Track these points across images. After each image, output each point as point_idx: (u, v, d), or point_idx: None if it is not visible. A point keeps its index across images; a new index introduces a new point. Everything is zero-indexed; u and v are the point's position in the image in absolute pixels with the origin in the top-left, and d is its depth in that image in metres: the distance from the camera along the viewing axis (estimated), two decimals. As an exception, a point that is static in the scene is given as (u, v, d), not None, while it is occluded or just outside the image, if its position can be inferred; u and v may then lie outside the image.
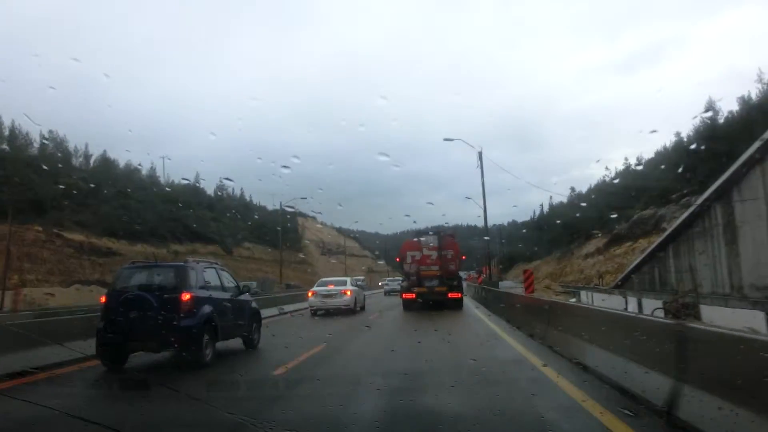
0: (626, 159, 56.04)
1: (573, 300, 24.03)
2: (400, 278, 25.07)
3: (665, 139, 48.74)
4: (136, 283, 9.03)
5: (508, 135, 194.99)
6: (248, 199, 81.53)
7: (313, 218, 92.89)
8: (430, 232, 21.51)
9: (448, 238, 21.91)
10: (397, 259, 22.59)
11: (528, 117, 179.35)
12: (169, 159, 69.35)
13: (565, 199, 77.29)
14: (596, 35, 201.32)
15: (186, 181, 62.16)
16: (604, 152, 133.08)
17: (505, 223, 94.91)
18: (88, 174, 46.08)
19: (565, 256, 59.74)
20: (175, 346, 8.78)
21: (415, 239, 21.66)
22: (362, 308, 22.13)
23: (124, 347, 8.67)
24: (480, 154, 23.46)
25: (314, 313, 20.40)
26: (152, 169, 61.01)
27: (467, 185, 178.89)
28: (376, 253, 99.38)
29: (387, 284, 44.57)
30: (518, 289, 30.60)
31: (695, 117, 39.40)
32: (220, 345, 9.71)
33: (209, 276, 9.79)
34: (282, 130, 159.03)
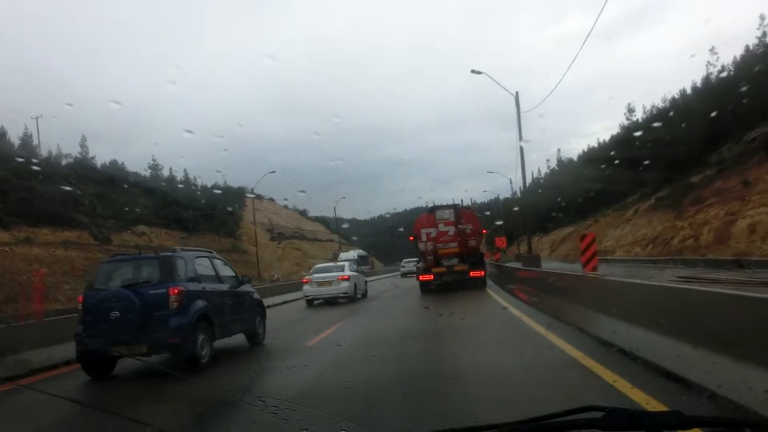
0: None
1: None
2: (416, 259, 23.58)
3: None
4: (117, 279, 7.90)
5: (486, 114, 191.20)
6: (192, 180, 66.96)
7: (271, 200, 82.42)
8: (446, 206, 19.99)
9: (466, 211, 20.37)
10: (411, 238, 21.10)
11: (505, 95, 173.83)
12: (41, 116, 47.38)
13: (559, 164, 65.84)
14: (575, 4, 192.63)
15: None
16: (583, 126, 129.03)
17: (486, 201, 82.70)
18: None
19: (685, 206, 28.20)
20: (166, 348, 7.69)
21: (430, 214, 20.19)
22: (363, 295, 20.60)
23: (107, 353, 7.56)
24: (517, 95, 22.22)
25: (310, 302, 19.00)
26: (27, 136, 46.90)
27: (445, 168, 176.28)
28: (354, 238, 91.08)
29: (403, 266, 43.47)
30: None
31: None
32: (219, 343, 8.61)
33: (202, 266, 8.63)
34: (255, 117, 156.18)
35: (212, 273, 8.89)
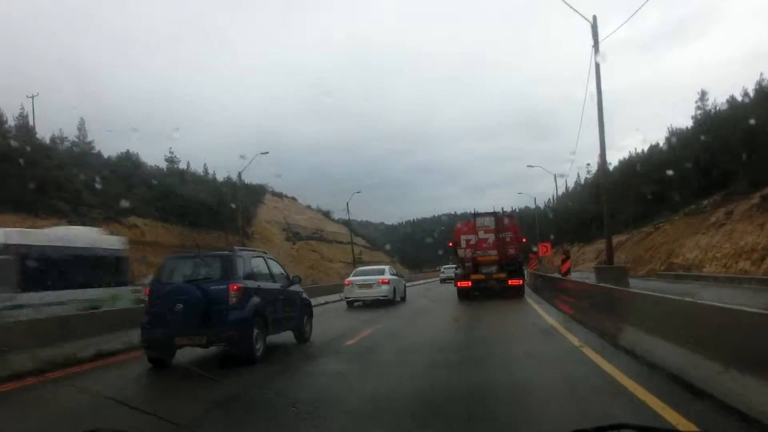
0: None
1: None
2: (455, 265, 23.73)
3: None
4: (181, 274, 8.47)
5: (519, 123, 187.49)
6: (211, 174, 62.63)
7: (293, 199, 79.99)
8: (487, 214, 20.14)
9: (507, 219, 20.46)
10: (450, 244, 21.34)
11: (541, 103, 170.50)
12: (37, 95, 45.17)
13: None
14: (616, 13, 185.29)
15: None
16: (619, 139, 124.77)
17: (516, 209, 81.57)
18: None
19: None
20: (224, 340, 8.19)
21: (470, 221, 20.37)
22: (402, 299, 21.03)
23: (170, 342, 8.11)
24: (594, 19, 17.30)
25: (350, 304, 19.53)
26: (22, 116, 43.13)
27: (477, 176, 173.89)
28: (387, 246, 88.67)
29: (443, 272, 43.33)
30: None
31: None
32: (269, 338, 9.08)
33: (257, 265, 9.18)
34: (290, 118, 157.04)
35: (266, 272, 9.40)
